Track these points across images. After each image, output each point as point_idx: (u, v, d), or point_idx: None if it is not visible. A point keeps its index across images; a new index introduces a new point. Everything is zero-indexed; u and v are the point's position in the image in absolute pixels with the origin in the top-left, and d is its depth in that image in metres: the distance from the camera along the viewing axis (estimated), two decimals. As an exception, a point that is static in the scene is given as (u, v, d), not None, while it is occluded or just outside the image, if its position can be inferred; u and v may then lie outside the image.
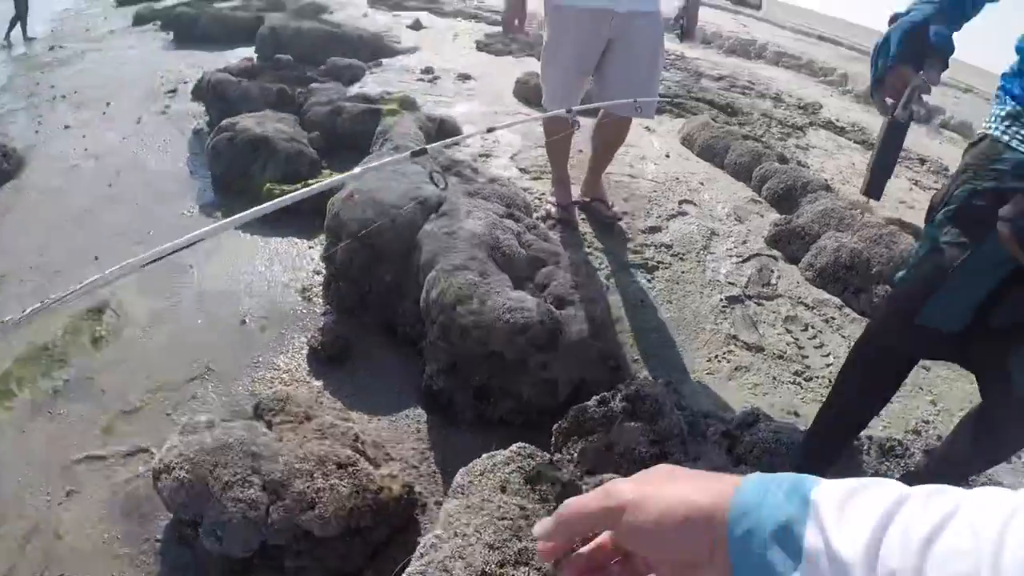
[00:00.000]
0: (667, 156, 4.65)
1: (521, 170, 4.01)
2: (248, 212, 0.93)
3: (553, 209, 3.39)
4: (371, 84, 5.80)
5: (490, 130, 1.76)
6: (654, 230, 3.50)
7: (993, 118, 1.55)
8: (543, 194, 3.63)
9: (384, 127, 3.91)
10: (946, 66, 1.55)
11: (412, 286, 2.48)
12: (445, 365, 2.25)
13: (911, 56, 1.53)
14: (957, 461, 1.92)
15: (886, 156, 1.70)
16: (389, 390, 2.39)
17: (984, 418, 1.75)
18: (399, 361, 2.53)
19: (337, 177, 1.32)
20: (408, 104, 4.50)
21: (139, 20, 9.03)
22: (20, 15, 8.86)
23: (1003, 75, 1.57)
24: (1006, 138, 1.49)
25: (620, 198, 3.74)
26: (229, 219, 0.93)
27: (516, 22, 3.13)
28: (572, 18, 2.98)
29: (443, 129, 4.26)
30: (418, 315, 2.39)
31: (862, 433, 2.39)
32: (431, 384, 2.29)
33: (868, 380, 1.89)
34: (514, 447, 1.69)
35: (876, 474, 2.10)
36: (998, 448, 1.83)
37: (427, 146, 1.59)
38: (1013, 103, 1.51)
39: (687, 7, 3.19)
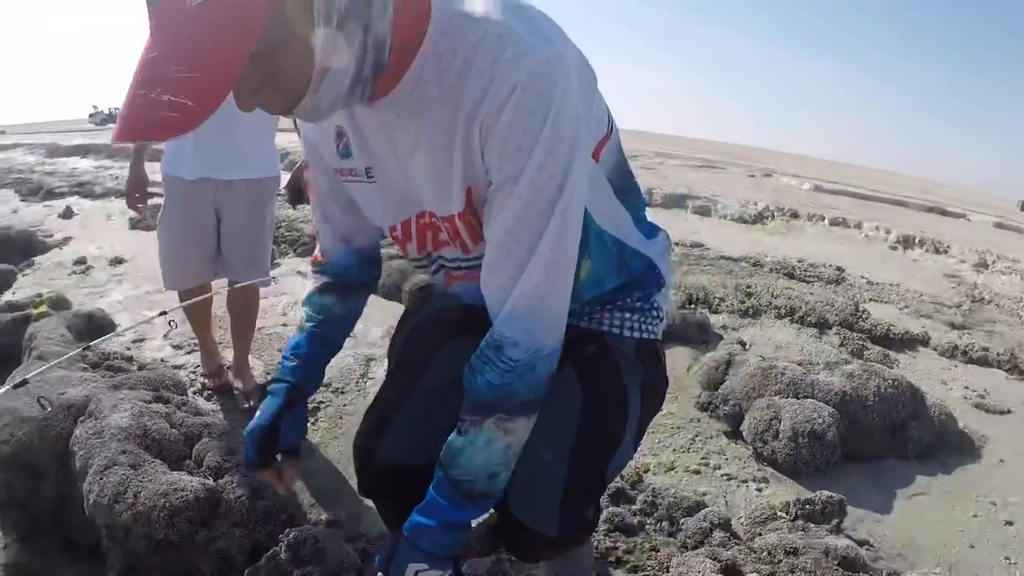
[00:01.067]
0: (321, 294, 5.09)
1: (175, 347, 4.30)
2: None
3: (206, 380, 3.65)
4: (23, 288, 5.70)
5: (139, 322, 2.00)
6: (310, 372, 3.87)
7: None
8: (197, 366, 3.93)
9: (31, 333, 3.91)
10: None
11: (77, 496, 2.63)
12: (123, 567, 2.45)
13: (264, 458, 1.56)
14: None
15: None
16: (80, 609, 2.48)
17: None
18: (86, 576, 2.65)
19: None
20: (59, 303, 4.55)
21: None
22: None
23: None
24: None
25: (275, 348, 4.11)
26: None
27: (137, 195, 3.22)
28: (179, 187, 3.09)
29: (92, 324, 4.33)
30: (90, 524, 2.54)
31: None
32: (115, 589, 2.45)
33: None
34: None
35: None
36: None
37: (27, 376, 1.81)
38: None
39: (300, 170, 3.31)
